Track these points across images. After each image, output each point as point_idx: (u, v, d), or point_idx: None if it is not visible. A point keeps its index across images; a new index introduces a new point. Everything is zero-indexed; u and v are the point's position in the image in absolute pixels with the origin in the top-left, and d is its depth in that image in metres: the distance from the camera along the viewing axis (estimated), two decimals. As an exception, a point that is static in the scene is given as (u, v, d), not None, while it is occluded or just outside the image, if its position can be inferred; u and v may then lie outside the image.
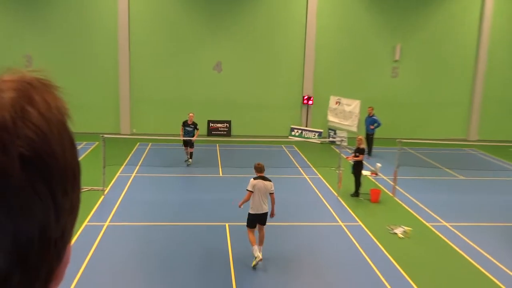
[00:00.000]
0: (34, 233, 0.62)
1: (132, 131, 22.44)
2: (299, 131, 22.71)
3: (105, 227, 11.13)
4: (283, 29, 22.38)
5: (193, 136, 16.57)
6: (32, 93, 0.64)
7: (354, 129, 19.75)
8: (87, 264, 9.25)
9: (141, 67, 22.07)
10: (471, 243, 10.99)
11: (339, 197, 13.78)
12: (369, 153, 18.47)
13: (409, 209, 13.11)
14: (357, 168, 13.77)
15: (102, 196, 13.17)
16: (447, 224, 12.06)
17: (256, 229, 9.66)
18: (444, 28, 22.95)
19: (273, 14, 22.28)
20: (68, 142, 0.67)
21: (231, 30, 22.18)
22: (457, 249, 10.65)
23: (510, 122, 23.78)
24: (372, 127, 18.95)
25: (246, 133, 22.46)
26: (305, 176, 16.05)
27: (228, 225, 11.35)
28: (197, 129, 16.78)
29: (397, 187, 14.36)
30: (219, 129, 22.84)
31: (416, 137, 21.25)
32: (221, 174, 16.00)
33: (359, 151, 13.72)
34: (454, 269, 9.73)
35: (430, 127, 23.45)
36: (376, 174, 14.92)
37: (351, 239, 10.92)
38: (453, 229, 11.76)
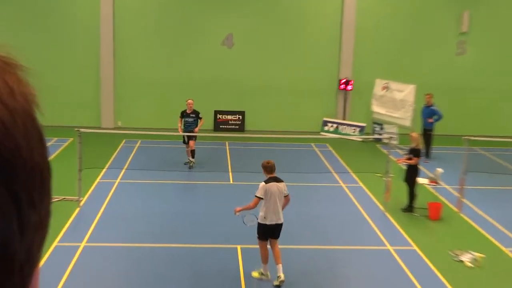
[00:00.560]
0: None
1: (116, 125, 22.63)
2: (334, 125, 22.66)
3: (80, 248, 11.18)
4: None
5: (196, 127, 16.63)
6: None
7: (407, 122, 19.72)
8: (56, 296, 9.30)
9: (128, 42, 22.22)
10: None
11: (386, 213, 13.75)
12: (427, 155, 18.42)
13: (480, 229, 13.04)
14: (411, 174, 13.72)
15: (78, 209, 13.27)
16: (531, 250, 11.93)
17: (268, 245, 9.74)
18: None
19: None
20: (36, 138, 0.67)
21: (246, -7, 22.26)
22: (544, 283, 10.51)
23: None
24: (430, 120, 18.84)
25: (264, 128, 22.47)
26: (342, 184, 16.05)
27: (241, 248, 11.35)
28: (200, 118, 16.84)
29: (464, 200, 14.28)
30: (229, 122, 22.89)
31: (488, 134, 20.98)
32: (231, 181, 16.08)
33: (413, 152, 13.66)
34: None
35: (507, 120, 23.17)
36: (436, 182, 14.88)
37: (403, 268, 10.88)
38: (539, 257, 11.61)
